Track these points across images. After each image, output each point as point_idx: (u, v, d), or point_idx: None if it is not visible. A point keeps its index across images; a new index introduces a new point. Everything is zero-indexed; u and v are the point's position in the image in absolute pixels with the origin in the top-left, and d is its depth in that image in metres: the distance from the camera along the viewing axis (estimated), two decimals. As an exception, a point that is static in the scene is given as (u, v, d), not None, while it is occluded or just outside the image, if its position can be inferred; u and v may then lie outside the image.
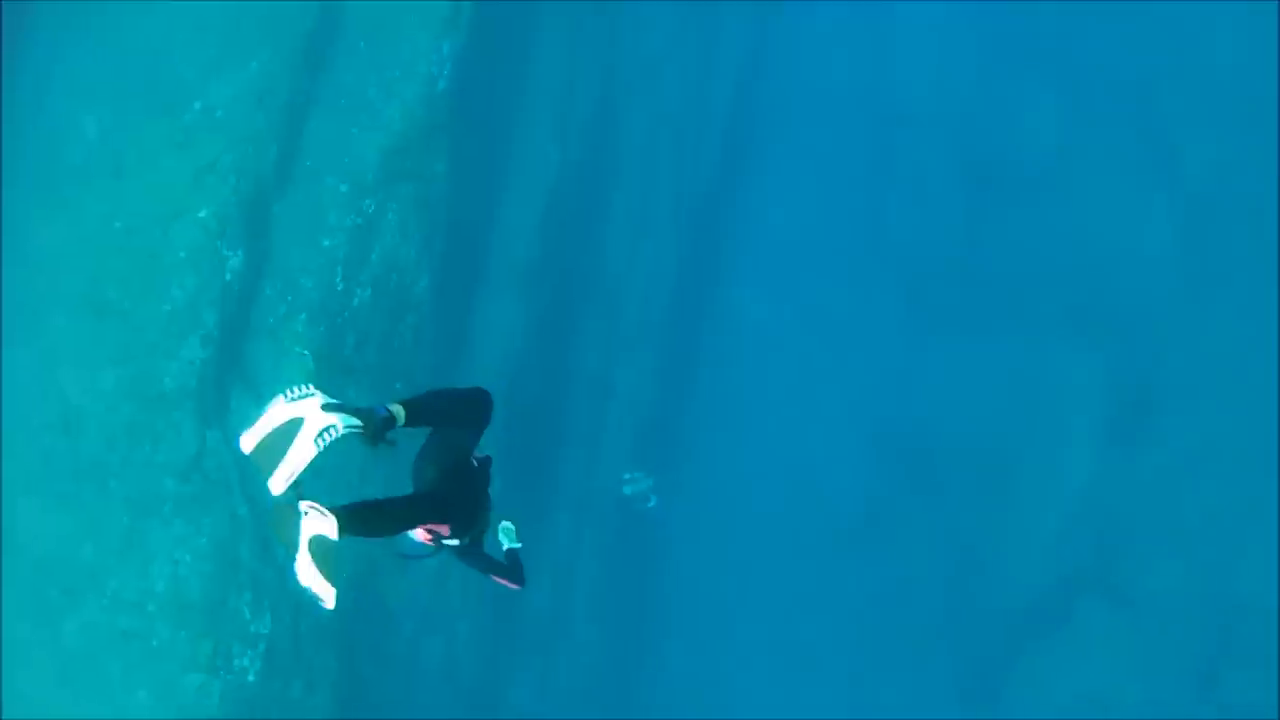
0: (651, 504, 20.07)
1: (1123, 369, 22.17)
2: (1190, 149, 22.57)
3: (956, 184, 24.69)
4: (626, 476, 19.90)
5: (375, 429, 5.09)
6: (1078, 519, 21.96)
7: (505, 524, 6.16)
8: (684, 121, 21.38)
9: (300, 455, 4.87)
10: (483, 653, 16.54)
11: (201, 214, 11.13)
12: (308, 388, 5.03)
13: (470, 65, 13.33)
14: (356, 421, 5.04)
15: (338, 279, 11.79)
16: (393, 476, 6.18)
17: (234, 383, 11.25)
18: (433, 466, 5.53)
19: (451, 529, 5.59)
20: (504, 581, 6.07)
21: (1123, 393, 22.11)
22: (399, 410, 5.22)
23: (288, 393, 5.02)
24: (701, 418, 23.98)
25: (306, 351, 11.37)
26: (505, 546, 6.13)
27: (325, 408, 4.98)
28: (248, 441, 4.97)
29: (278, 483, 4.84)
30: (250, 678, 10.59)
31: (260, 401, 11.25)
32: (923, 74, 25.36)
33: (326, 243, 11.81)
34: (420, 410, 5.34)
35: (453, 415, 5.56)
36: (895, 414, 23.85)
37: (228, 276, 11.16)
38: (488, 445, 5.78)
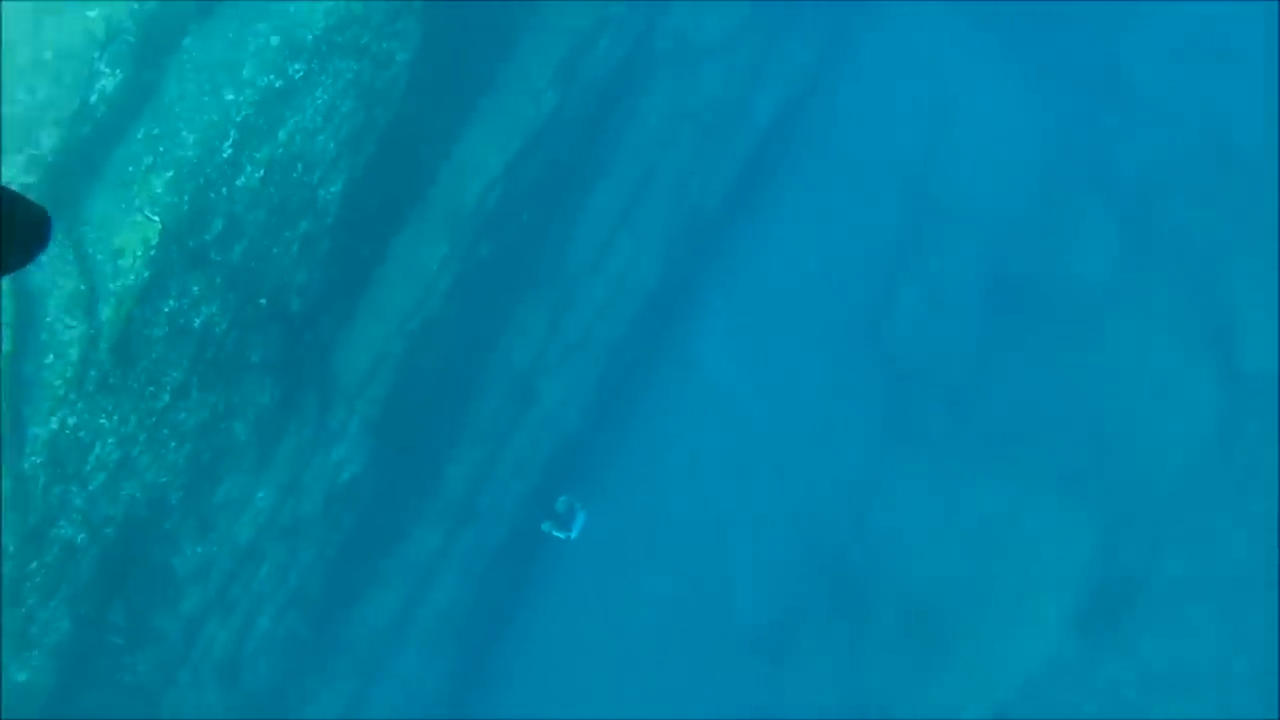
0: (575, 532, 18.07)
1: (1114, 552, 20.39)
2: (1251, 332, 21.11)
3: (980, 297, 22.94)
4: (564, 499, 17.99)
5: None
6: (1021, 703, 20.04)
7: None
8: (710, 128, 19.49)
9: None
10: (283, 659, 14.41)
11: (91, 13, 9.25)
12: None
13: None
14: None
15: (227, 145, 9.77)
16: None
17: (54, 231, 9.17)
18: None
19: None
20: None
21: (1107, 579, 20.31)
22: None
23: None
24: (625, 465, 21.94)
25: (156, 219, 9.35)
26: None
27: None
28: None
29: None
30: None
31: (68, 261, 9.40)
32: (976, 167, 23.70)
33: (230, 97, 9.80)
34: None
35: None
36: (839, 528, 21.87)
37: (93, 98, 9.29)
38: None
